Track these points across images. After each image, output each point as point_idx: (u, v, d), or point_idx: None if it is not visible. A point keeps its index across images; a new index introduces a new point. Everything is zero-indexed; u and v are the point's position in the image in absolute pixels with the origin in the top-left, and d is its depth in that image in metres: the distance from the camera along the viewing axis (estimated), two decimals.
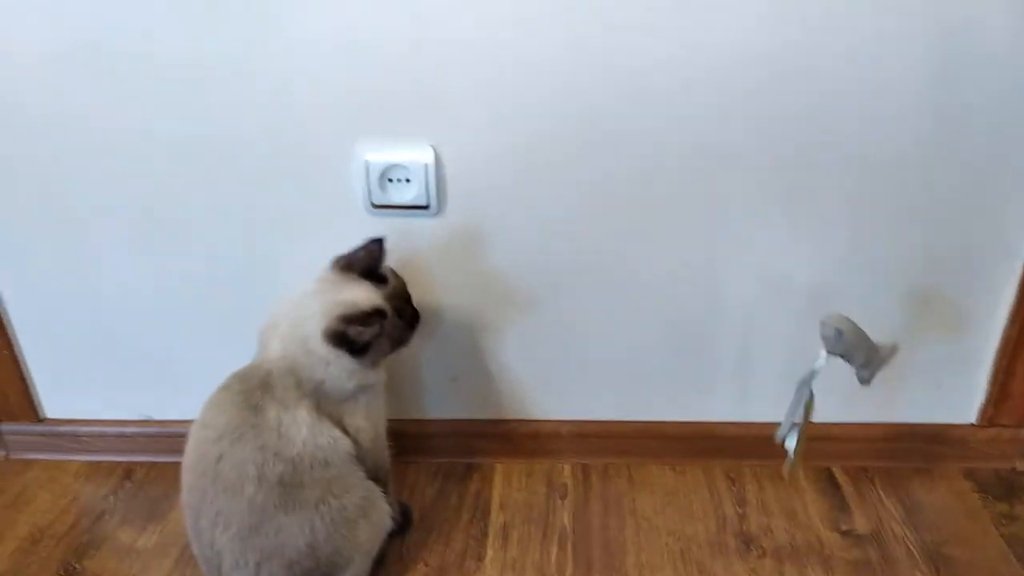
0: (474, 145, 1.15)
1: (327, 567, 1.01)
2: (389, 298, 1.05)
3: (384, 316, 1.02)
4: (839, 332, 0.99)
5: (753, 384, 1.33)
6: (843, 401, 1.26)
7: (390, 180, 1.16)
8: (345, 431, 1.04)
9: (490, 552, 1.22)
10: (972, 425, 1.37)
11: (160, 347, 1.33)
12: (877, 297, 1.24)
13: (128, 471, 1.39)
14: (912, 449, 1.37)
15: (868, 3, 1.03)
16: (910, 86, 1.09)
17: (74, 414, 1.41)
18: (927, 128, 1.11)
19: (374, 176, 1.15)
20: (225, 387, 1.03)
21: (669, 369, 1.33)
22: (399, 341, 1.07)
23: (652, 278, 1.24)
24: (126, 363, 1.35)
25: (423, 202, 1.17)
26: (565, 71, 1.09)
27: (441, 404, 1.38)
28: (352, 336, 0.99)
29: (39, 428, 1.41)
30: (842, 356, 1.01)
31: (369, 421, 1.08)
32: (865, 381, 1.03)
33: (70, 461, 1.41)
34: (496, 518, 1.28)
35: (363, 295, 1.03)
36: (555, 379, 1.35)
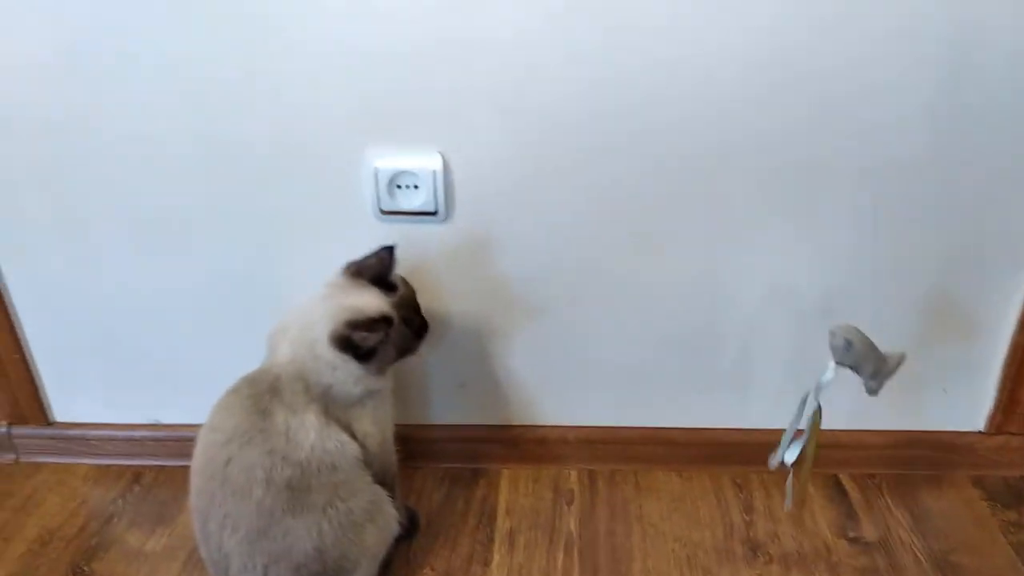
0: (482, 152, 1.15)
1: (334, 570, 1.01)
2: (397, 306, 1.05)
3: (390, 323, 1.02)
4: (848, 343, 0.99)
5: (760, 390, 1.33)
6: (851, 408, 1.26)
7: (398, 186, 1.16)
8: (353, 435, 1.05)
9: (496, 557, 1.22)
10: (980, 433, 1.36)
11: (169, 352, 1.33)
12: (885, 304, 1.24)
13: (137, 475, 1.39)
14: (920, 456, 1.37)
15: (876, 6, 1.03)
16: (919, 90, 1.09)
17: (83, 418, 1.42)
18: (935, 133, 1.11)
19: (383, 182, 1.16)
20: (234, 391, 1.03)
21: (676, 375, 1.33)
22: (406, 349, 1.07)
23: (659, 284, 1.25)
24: (135, 368, 1.35)
25: (431, 208, 1.18)
26: (573, 78, 1.09)
27: (448, 410, 1.38)
28: (357, 341, 1.00)
29: (49, 432, 1.42)
30: (851, 367, 1.01)
31: (376, 426, 1.08)
32: (873, 391, 1.03)
33: (79, 464, 1.42)
34: (502, 523, 1.28)
35: (370, 301, 1.03)
36: (562, 385, 1.35)
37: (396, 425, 1.15)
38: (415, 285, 1.12)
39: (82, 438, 1.42)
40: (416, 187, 1.16)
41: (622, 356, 1.31)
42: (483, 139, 1.14)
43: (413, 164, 1.15)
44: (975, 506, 1.31)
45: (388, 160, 1.15)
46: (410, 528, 1.23)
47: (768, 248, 1.21)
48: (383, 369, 1.06)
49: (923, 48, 1.06)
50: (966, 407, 1.35)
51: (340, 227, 1.20)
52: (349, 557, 1.02)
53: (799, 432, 1.08)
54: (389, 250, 1.08)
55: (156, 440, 1.40)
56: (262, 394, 1.00)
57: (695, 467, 1.38)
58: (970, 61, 1.07)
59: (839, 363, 1.01)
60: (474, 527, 1.28)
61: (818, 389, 1.03)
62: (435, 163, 1.15)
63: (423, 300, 1.12)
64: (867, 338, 1.01)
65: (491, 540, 1.25)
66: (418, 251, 1.21)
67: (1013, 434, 1.35)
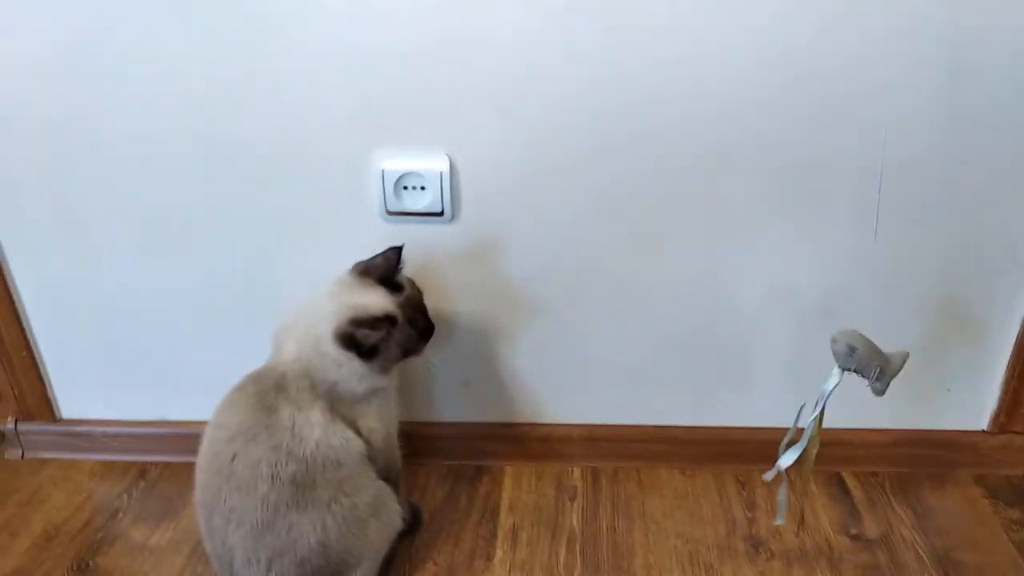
0: (488, 153, 1.16)
1: (337, 565, 1.02)
2: (402, 306, 1.06)
3: (394, 323, 1.03)
4: (851, 348, 1.00)
5: (762, 389, 1.33)
6: (854, 407, 1.26)
7: (405, 188, 1.17)
8: (358, 432, 1.05)
9: (499, 553, 1.22)
10: (984, 432, 1.36)
11: (174, 350, 1.34)
12: (888, 304, 1.24)
13: (142, 470, 1.40)
14: (923, 455, 1.37)
15: (876, 7, 1.04)
16: (922, 92, 1.09)
17: (90, 414, 1.42)
18: (939, 134, 1.12)
19: (390, 184, 1.16)
20: (240, 388, 1.04)
21: (679, 374, 1.33)
22: (410, 350, 1.08)
23: (662, 284, 1.25)
24: (141, 365, 1.36)
25: (437, 209, 1.18)
26: (575, 78, 1.10)
27: (453, 407, 1.38)
28: (360, 339, 1.01)
29: (55, 428, 1.43)
30: (856, 371, 1.01)
31: (381, 423, 1.09)
32: (880, 392, 1.03)
33: (85, 460, 1.42)
34: (505, 519, 1.29)
35: (375, 300, 1.04)
36: (566, 383, 1.36)
37: (401, 422, 1.16)
38: (421, 284, 1.13)
39: (88, 434, 1.42)
40: (423, 188, 1.17)
41: (625, 355, 1.32)
42: (489, 140, 1.15)
43: (420, 165, 1.15)
44: (978, 504, 1.32)
45: (395, 161, 1.15)
46: (413, 524, 1.24)
47: (769, 247, 1.21)
48: (387, 368, 1.07)
49: (923, 48, 1.06)
50: (970, 406, 1.35)
51: (347, 228, 1.21)
52: (353, 552, 1.03)
53: (799, 431, 1.08)
54: (396, 251, 1.09)
55: (161, 436, 1.41)
56: (268, 391, 1.01)
57: (697, 464, 1.39)
58: (970, 61, 1.07)
59: (844, 369, 1.01)
60: (477, 523, 1.28)
61: (823, 396, 1.04)
62: (442, 164, 1.15)
63: (429, 299, 1.13)
64: (869, 341, 1.01)
65: (494, 536, 1.26)
66: (424, 251, 1.22)
67: (1017, 433, 1.35)
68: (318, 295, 1.06)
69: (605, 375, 1.34)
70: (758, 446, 1.33)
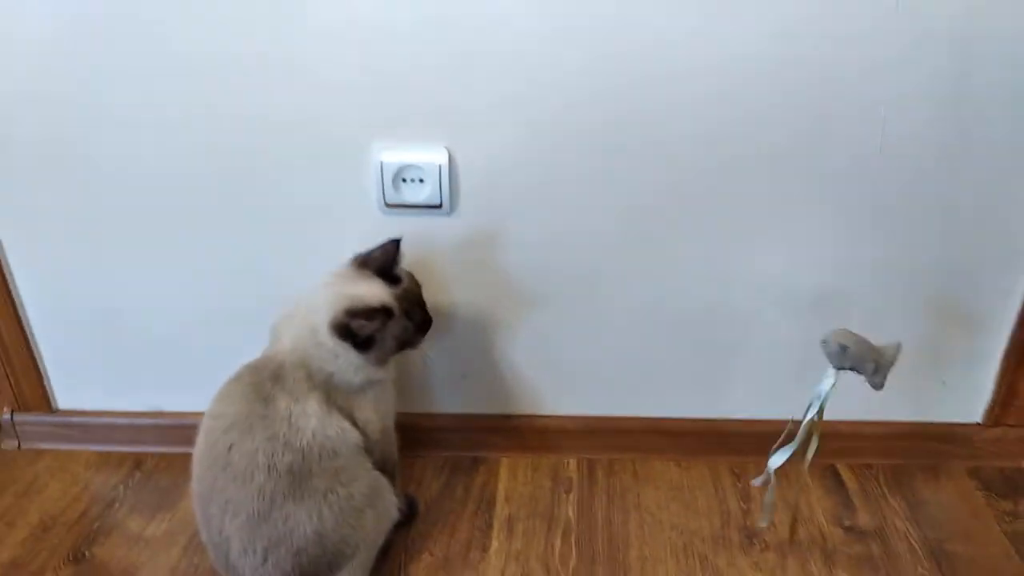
0: (487, 146, 1.16)
1: (333, 555, 1.02)
2: (399, 298, 1.06)
3: (390, 314, 1.03)
4: (843, 347, 1.00)
5: (759, 381, 1.34)
6: (848, 399, 1.26)
7: (404, 180, 1.17)
8: (354, 423, 1.06)
9: (495, 543, 1.23)
10: (978, 424, 1.37)
11: (172, 342, 1.34)
12: (885, 297, 1.25)
13: (138, 461, 1.40)
14: (918, 447, 1.38)
15: (885, 12, 1.04)
16: (924, 93, 1.09)
17: (86, 405, 1.43)
18: (940, 135, 1.12)
19: (388, 176, 1.16)
20: (236, 378, 1.04)
21: (675, 366, 1.33)
22: (406, 342, 1.08)
23: (660, 276, 1.25)
24: (138, 356, 1.36)
25: (436, 202, 1.18)
26: (578, 76, 1.10)
27: (450, 399, 1.39)
28: (355, 329, 1.01)
29: (51, 419, 1.43)
30: (851, 369, 1.01)
31: (377, 414, 1.09)
32: (879, 386, 1.02)
33: (81, 451, 1.42)
34: (501, 510, 1.29)
35: (372, 292, 1.04)
36: (562, 375, 1.36)
37: (398, 413, 1.16)
38: (419, 277, 1.12)
39: (84, 425, 1.42)
40: (421, 181, 1.17)
41: (623, 347, 1.32)
42: (488, 133, 1.15)
43: (418, 158, 1.15)
44: (971, 496, 1.32)
45: (393, 154, 1.15)
46: (409, 514, 1.24)
47: (766, 241, 1.22)
48: (383, 360, 1.07)
49: (925, 50, 1.06)
50: (964, 399, 1.36)
51: (345, 220, 1.21)
52: (349, 542, 1.03)
53: (796, 423, 1.08)
54: (395, 243, 1.09)
55: (158, 427, 1.41)
56: (264, 381, 1.01)
57: (693, 456, 1.39)
58: (974, 66, 1.07)
59: (839, 368, 1.01)
60: (473, 514, 1.29)
61: (819, 397, 1.04)
62: (440, 157, 1.15)
63: (427, 292, 1.13)
64: (860, 337, 1.01)
65: (490, 527, 1.26)
66: (423, 244, 1.22)
67: (1010, 426, 1.36)
68: (316, 286, 1.06)
69: (601, 367, 1.34)
70: (753, 438, 1.33)
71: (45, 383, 1.40)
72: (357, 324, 1.01)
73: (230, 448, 0.98)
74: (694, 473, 1.37)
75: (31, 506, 1.31)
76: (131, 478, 1.37)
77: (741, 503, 1.30)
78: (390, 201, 1.18)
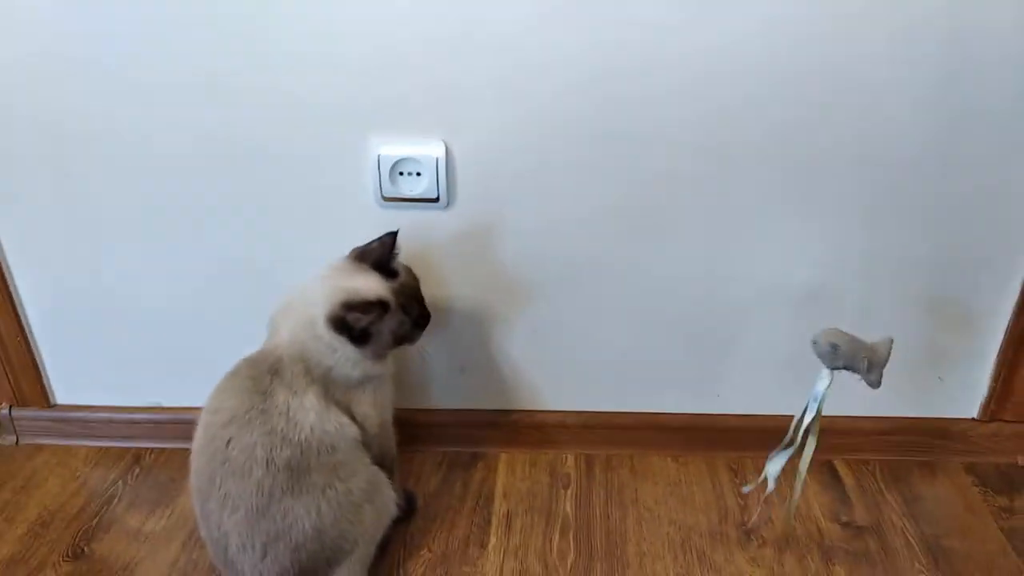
0: (484, 139, 1.16)
1: (332, 550, 1.02)
2: (396, 293, 1.06)
3: (385, 308, 1.03)
4: (834, 346, 0.99)
5: (757, 378, 1.34)
6: (845, 395, 1.27)
7: (401, 173, 1.17)
8: (353, 417, 1.06)
9: (493, 539, 1.23)
10: (974, 420, 1.38)
11: (171, 337, 1.34)
12: (881, 293, 1.25)
13: (137, 457, 1.40)
14: (914, 443, 1.38)
15: (878, 7, 1.04)
16: (918, 89, 1.10)
17: (84, 400, 1.42)
18: (934, 129, 1.12)
19: (385, 169, 1.16)
20: (235, 372, 1.04)
21: (673, 361, 1.34)
22: (404, 337, 1.08)
23: (658, 272, 1.26)
24: (136, 351, 1.36)
25: (433, 195, 1.18)
26: (576, 69, 1.10)
27: (448, 394, 1.39)
28: (350, 322, 1.01)
29: (50, 414, 1.43)
30: (845, 368, 1.01)
31: (376, 409, 1.10)
32: (875, 384, 1.02)
33: (80, 446, 1.43)
34: (499, 506, 1.29)
35: (368, 285, 1.04)
36: (560, 370, 1.36)
37: (396, 408, 1.16)
38: (417, 271, 1.13)
39: (83, 420, 1.43)
40: (418, 174, 1.17)
41: (619, 342, 1.32)
42: (485, 127, 1.15)
43: (415, 151, 1.15)
44: (967, 492, 1.33)
45: (391, 147, 1.15)
46: (408, 510, 1.24)
47: (767, 238, 1.22)
48: (381, 354, 1.07)
49: (923, 50, 1.07)
50: (960, 394, 1.36)
51: (342, 213, 1.21)
52: (347, 537, 1.03)
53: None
54: (392, 236, 1.08)
55: (156, 423, 1.41)
56: (263, 375, 1.02)
57: (690, 452, 1.40)
58: (968, 63, 1.08)
59: (833, 368, 1.01)
60: (471, 510, 1.29)
61: (816, 400, 1.03)
62: (437, 150, 1.15)
63: (425, 286, 1.13)
64: (850, 336, 1.01)
65: (488, 523, 1.26)
66: (420, 237, 1.22)
67: (1006, 421, 1.36)
68: (313, 279, 1.06)
69: (599, 363, 1.35)
70: (751, 434, 1.35)
71: (43, 378, 1.40)
72: (353, 317, 1.01)
73: (228, 443, 0.98)
74: (692, 468, 1.37)
75: (30, 501, 1.31)
76: (130, 473, 1.37)
77: (739, 499, 1.31)
78: (387, 195, 1.18)
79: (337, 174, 1.19)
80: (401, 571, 1.18)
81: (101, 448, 1.42)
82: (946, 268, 1.24)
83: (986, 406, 1.35)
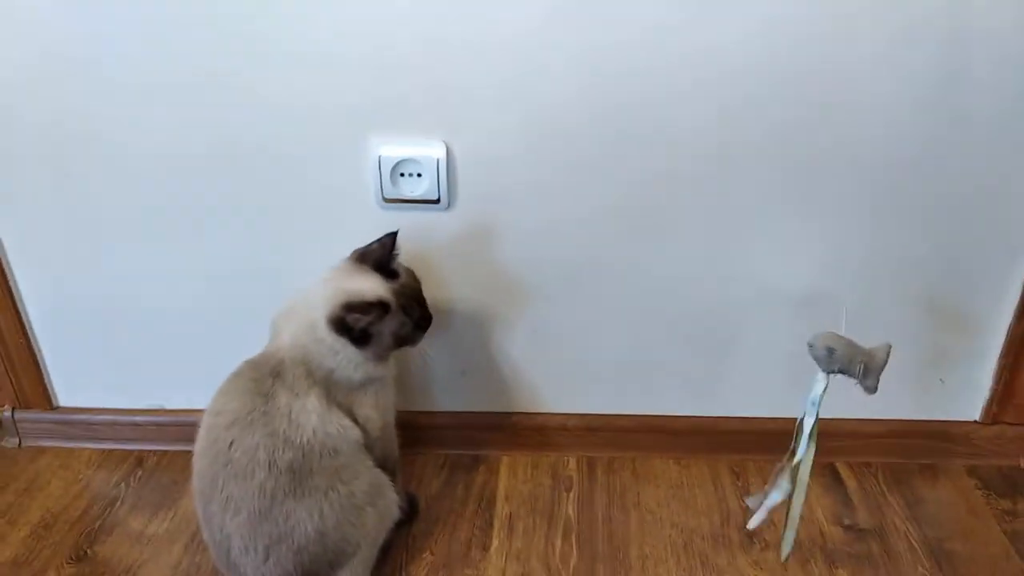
0: (485, 140, 1.16)
1: (334, 553, 1.02)
2: (397, 294, 1.06)
3: (386, 308, 1.03)
4: (830, 350, 0.99)
5: (759, 380, 1.34)
6: (847, 397, 1.27)
7: (402, 175, 1.17)
8: (355, 420, 1.06)
9: (495, 542, 1.23)
10: (976, 422, 1.37)
11: (172, 337, 1.34)
12: (882, 294, 1.25)
13: (139, 459, 1.41)
14: (916, 446, 1.38)
15: (878, 7, 1.04)
16: (918, 89, 1.09)
17: (87, 403, 1.43)
18: (934, 129, 1.12)
19: (386, 170, 1.16)
20: (237, 374, 1.04)
21: (675, 363, 1.34)
22: (404, 338, 1.08)
23: (660, 274, 1.26)
24: (139, 353, 1.36)
25: (434, 196, 1.18)
26: (577, 71, 1.10)
27: (449, 397, 1.39)
28: (350, 323, 1.01)
29: (52, 416, 1.43)
30: (841, 372, 1.00)
31: (378, 411, 1.10)
32: (871, 390, 1.01)
33: (82, 449, 1.43)
34: (501, 509, 1.29)
35: (369, 286, 1.04)
36: (562, 373, 1.36)
37: (398, 411, 1.16)
38: (418, 272, 1.13)
39: (85, 423, 1.43)
40: (419, 175, 1.17)
41: (621, 345, 1.32)
42: (486, 128, 1.15)
43: (416, 152, 1.15)
44: (970, 495, 1.33)
45: (391, 148, 1.15)
46: (410, 513, 1.24)
47: (767, 238, 1.22)
48: (383, 356, 1.07)
49: (923, 47, 1.07)
50: (962, 397, 1.36)
51: (343, 214, 1.21)
52: (350, 540, 1.03)
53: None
54: (392, 236, 1.09)
55: (159, 425, 1.41)
56: (265, 377, 1.02)
57: (693, 455, 1.40)
58: (967, 64, 1.08)
59: (829, 372, 1.01)
60: (473, 512, 1.29)
61: (814, 404, 1.03)
62: (438, 151, 1.15)
63: (426, 287, 1.13)
64: (847, 340, 1.00)
65: (490, 525, 1.26)
66: (421, 239, 1.22)
67: (1009, 424, 1.36)
68: (314, 282, 1.06)
69: (600, 364, 1.35)
70: (753, 436, 1.35)
71: (46, 380, 1.41)
72: (353, 318, 1.01)
73: (231, 445, 0.99)
74: (694, 471, 1.37)
75: (33, 504, 1.31)
76: (132, 476, 1.37)
77: (741, 502, 1.30)
78: (388, 196, 1.18)
79: (338, 175, 1.19)
80: (403, 574, 1.18)
81: (104, 450, 1.42)
82: (947, 269, 1.24)
83: (988, 408, 1.35)
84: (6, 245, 1.28)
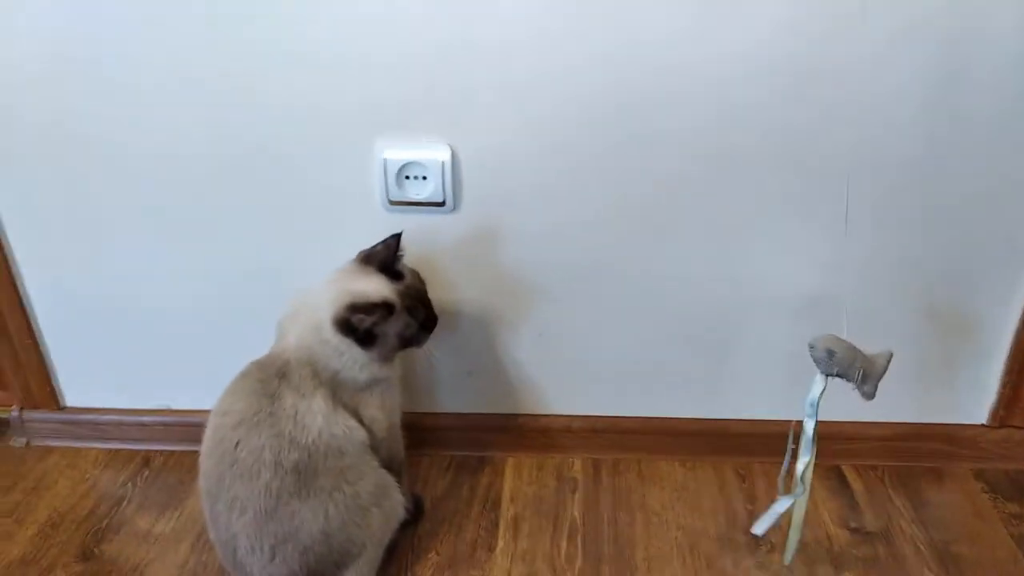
0: (490, 143, 1.16)
1: (340, 554, 1.03)
2: (402, 295, 1.06)
3: (390, 309, 1.03)
4: (830, 352, 0.99)
5: (765, 382, 1.33)
6: (853, 399, 1.27)
7: (407, 177, 1.17)
8: (360, 421, 1.06)
9: (501, 543, 1.23)
10: (983, 426, 1.37)
11: (178, 338, 1.35)
12: (887, 296, 1.25)
13: (146, 459, 1.41)
14: (923, 449, 1.38)
15: (881, 12, 1.04)
16: (919, 91, 1.09)
17: (94, 403, 1.43)
18: (935, 130, 1.12)
19: (391, 173, 1.17)
20: (244, 374, 1.05)
21: (680, 366, 1.34)
22: (411, 340, 1.08)
23: (665, 276, 1.26)
24: (146, 354, 1.37)
25: (439, 199, 1.19)
26: (583, 74, 1.10)
27: (455, 398, 1.39)
28: (355, 323, 1.01)
29: (60, 416, 1.44)
30: (839, 376, 1.00)
31: (383, 412, 1.10)
32: (868, 396, 1.01)
33: (90, 449, 1.43)
34: (507, 510, 1.30)
35: (374, 287, 1.04)
36: (567, 374, 1.36)
37: (404, 412, 1.16)
38: (423, 274, 1.13)
39: (93, 423, 1.43)
40: (424, 178, 1.17)
41: (627, 347, 1.32)
42: (492, 130, 1.15)
43: (421, 155, 1.16)
44: (977, 498, 1.32)
45: (397, 151, 1.16)
46: (416, 514, 1.24)
47: (771, 241, 1.22)
48: (388, 357, 1.07)
49: (924, 53, 1.07)
50: (969, 400, 1.35)
51: (349, 217, 1.22)
52: (355, 541, 1.04)
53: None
54: (396, 237, 1.09)
55: (165, 425, 1.42)
56: (271, 378, 1.02)
57: (698, 457, 1.39)
58: (970, 65, 1.07)
59: (827, 374, 1.01)
60: (479, 513, 1.29)
61: (811, 405, 1.03)
62: (443, 154, 1.16)
63: (431, 289, 1.13)
64: (848, 344, 1.00)
65: (495, 526, 1.26)
66: (426, 241, 1.22)
67: (1016, 427, 1.35)
68: (320, 283, 1.06)
69: (606, 366, 1.35)
70: (759, 439, 1.34)
71: (53, 381, 1.41)
72: (357, 318, 1.01)
73: (237, 445, 0.99)
74: (699, 473, 1.37)
75: (40, 503, 1.32)
76: (139, 476, 1.38)
77: (746, 504, 1.30)
78: (393, 198, 1.19)
79: (343, 177, 1.19)
80: (409, 574, 1.18)
81: (111, 450, 1.43)
82: (953, 271, 1.23)
83: (995, 412, 1.35)
84: (15, 246, 1.28)
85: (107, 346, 1.37)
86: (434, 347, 1.14)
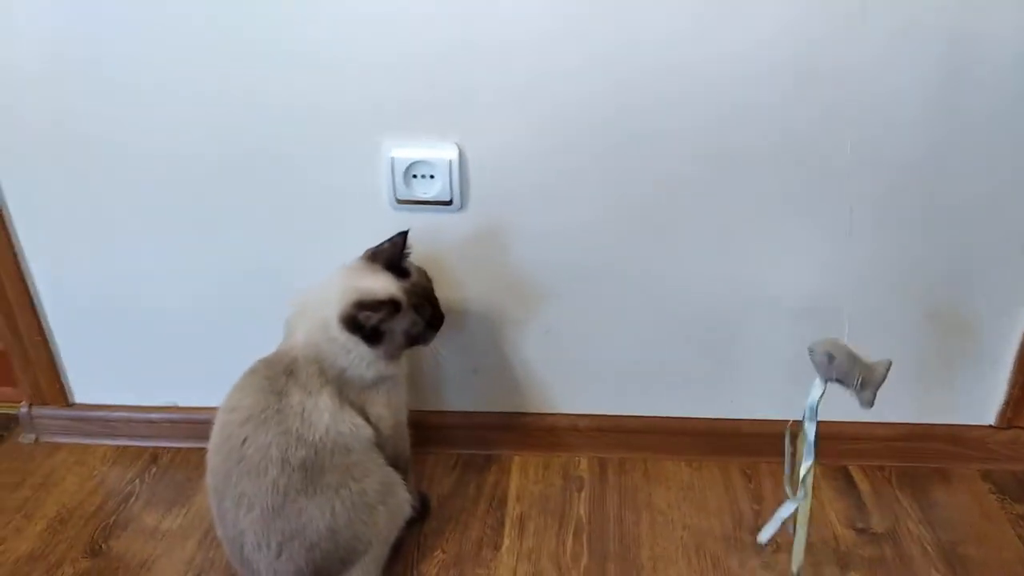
0: (497, 142, 1.16)
1: (346, 551, 1.03)
2: (408, 293, 1.06)
3: (397, 307, 1.04)
4: (830, 357, 0.98)
5: (771, 382, 1.33)
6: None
7: (414, 176, 1.18)
8: (367, 418, 1.06)
9: (506, 541, 1.23)
10: (991, 427, 1.36)
11: (187, 336, 1.35)
12: (890, 298, 1.25)
13: (154, 456, 1.42)
14: (930, 449, 1.37)
15: (881, 12, 1.04)
16: (919, 91, 1.09)
17: (103, 400, 1.44)
18: (936, 131, 1.12)
19: (399, 172, 1.17)
20: (252, 371, 1.05)
21: (686, 366, 1.34)
22: (417, 337, 1.08)
23: (671, 276, 1.25)
24: (154, 351, 1.38)
25: (446, 198, 1.19)
26: (589, 74, 1.10)
27: (461, 396, 1.39)
28: (362, 321, 1.02)
29: (68, 413, 1.45)
30: (838, 381, 1.00)
31: (390, 409, 1.10)
32: (867, 403, 1.01)
33: (98, 445, 1.44)
34: (513, 509, 1.30)
35: (380, 284, 1.05)
36: (573, 374, 1.36)
37: (410, 410, 1.16)
38: (430, 273, 1.13)
39: (101, 419, 1.44)
40: (432, 177, 1.18)
41: (633, 346, 1.32)
42: (499, 130, 1.15)
43: (429, 154, 1.16)
44: (984, 499, 1.32)
45: (404, 150, 1.16)
46: (421, 512, 1.25)
47: (778, 244, 1.22)
48: (394, 354, 1.08)
49: (925, 52, 1.06)
50: (976, 401, 1.35)
51: (356, 216, 1.22)
52: (361, 538, 1.04)
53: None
54: (403, 235, 1.09)
55: (173, 422, 1.42)
56: (278, 375, 1.02)
57: (704, 456, 1.39)
58: (972, 67, 1.07)
59: (826, 379, 1.00)
60: (485, 512, 1.29)
61: (810, 410, 1.03)
62: (451, 153, 1.16)
63: (438, 288, 1.13)
64: (849, 350, 1.00)
65: (501, 525, 1.27)
66: (433, 240, 1.22)
67: (1023, 428, 1.35)
68: (327, 280, 1.07)
69: (612, 365, 1.35)
70: (765, 439, 1.33)
71: (62, 377, 1.42)
72: (364, 316, 1.02)
73: (244, 442, 0.99)
74: (705, 473, 1.37)
75: (48, 499, 1.33)
76: (147, 472, 1.39)
77: (752, 504, 1.30)
78: (401, 197, 1.19)
79: (350, 176, 1.19)
80: (415, 572, 1.18)
81: (119, 447, 1.44)
82: (955, 271, 1.23)
83: (1003, 413, 1.34)
84: (24, 244, 1.29)
85: (115, 343, 1.38)
86: (440, 345, 1.14)
